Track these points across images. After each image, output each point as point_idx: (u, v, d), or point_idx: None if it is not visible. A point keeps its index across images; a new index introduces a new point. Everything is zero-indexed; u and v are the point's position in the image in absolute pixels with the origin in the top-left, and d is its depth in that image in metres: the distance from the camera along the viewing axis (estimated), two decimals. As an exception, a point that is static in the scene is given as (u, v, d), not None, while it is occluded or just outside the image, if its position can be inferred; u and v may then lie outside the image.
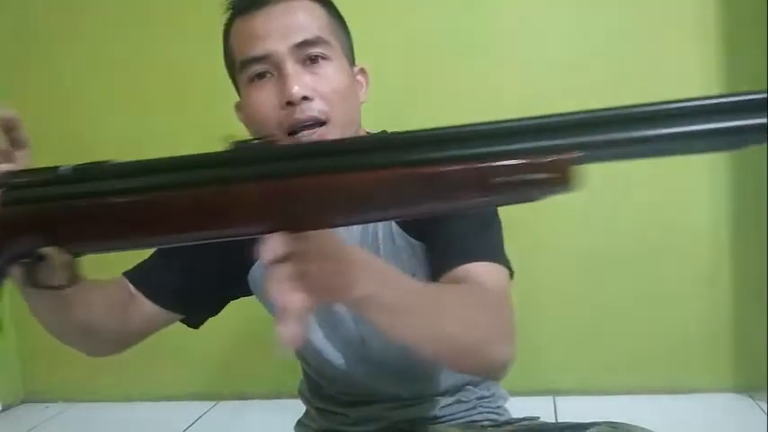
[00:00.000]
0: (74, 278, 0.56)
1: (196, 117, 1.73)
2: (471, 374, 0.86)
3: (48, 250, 0.54)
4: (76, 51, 1.84)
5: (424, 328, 0.60)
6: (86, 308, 0.72)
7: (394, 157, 0.45)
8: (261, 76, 0.77)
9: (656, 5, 1.59)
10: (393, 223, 0.83)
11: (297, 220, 0.46)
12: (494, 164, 0.43)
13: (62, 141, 1.82)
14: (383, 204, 0.46)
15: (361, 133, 0.86)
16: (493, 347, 0.67)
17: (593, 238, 1.64)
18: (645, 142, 0.42)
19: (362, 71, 0.87)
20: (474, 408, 0.92)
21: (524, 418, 0.91)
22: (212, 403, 1.82)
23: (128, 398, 1.88)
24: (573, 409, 1.52)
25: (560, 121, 0.44)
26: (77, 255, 0.55)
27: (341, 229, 0.80)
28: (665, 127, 0.41)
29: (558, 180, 0.44)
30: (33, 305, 0.69)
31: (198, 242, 0.51)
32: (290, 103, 0.75)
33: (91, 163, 0.52)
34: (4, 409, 1.91)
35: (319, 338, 0.88)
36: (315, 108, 0.76)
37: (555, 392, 1.65)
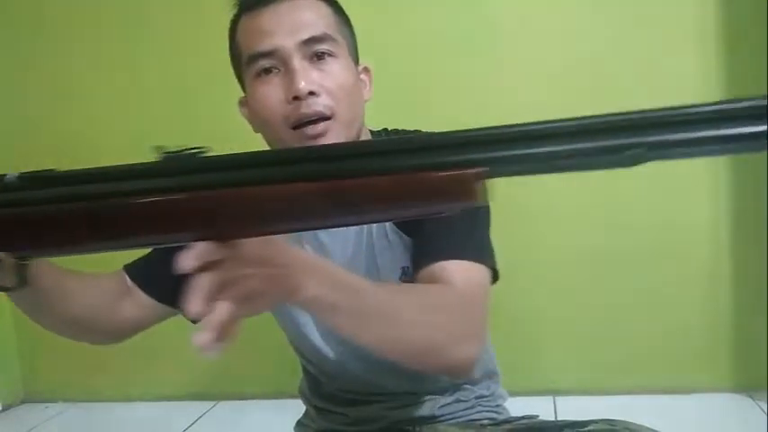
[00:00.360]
0: (23, 280, 0.59)
1: (197, 115, 1.73)
2: (434, 374, 0.87)
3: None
4: (77, 49, 1.84)
5: (378, 330, 0.62)
6: (67, 301, 0.75)
7: (300, 171, 0.47)
8: (268, 71, 0.78)
9: (657, 6, 1.59)
10: None
11: (222, 229, 0.48)
12: (396, 177, 0.45)
13: (62, 139, 1.83)
14: (298, 216, 0.48)
15: (365, 131, 0.87)
16: (452, 349, 0.68)
17: (592, 238, 1.64)
18: (545, 159, 0.43)
19: (366, 70, 0.88)
20: (473, 407, 0.92)
21: (523, 417, 0.91)
22: (212, 403, 1.82)
23: (128, 398, 1.88)
24: (573, 409, 1.52)
25: (472, 137, 0.45)
26: (23, 259, 0.58)
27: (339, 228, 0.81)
28: (566, 144, 0.42)
29: (461, 195, 0.44)
30: (15, 303, 0.71)
31: (132, 249, 0.54)
32: (296, 98, 0.76)
33: (36, 171, 0.53)
34: (4, 409, 1.91)
35: (316, 336, 0.89)
36: (320, 103, 0.77)
37: (555, 392, 1.65)
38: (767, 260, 1.56)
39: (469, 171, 0.43)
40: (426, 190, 0.44)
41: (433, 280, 0.74)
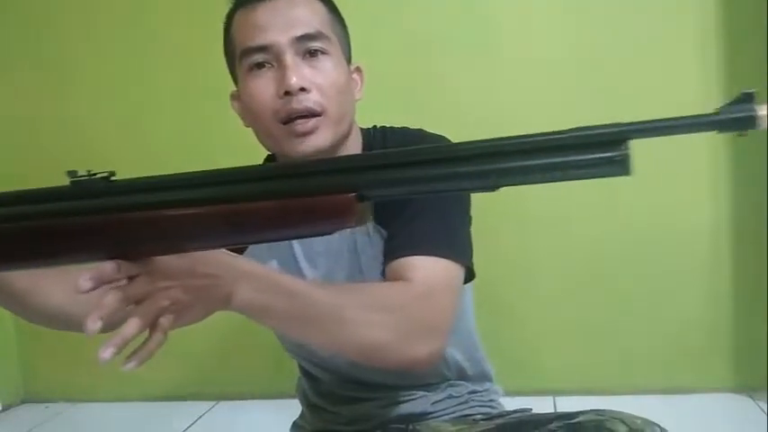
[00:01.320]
0: None
1: (197, 110, 1.73)
2: (391, 370, 0.86)
3: None
4: (78, 45, 1.84)
5: (321, 331, 0.64)
6: (45, 298, 0.76)
7: (204, 194, 0.50)
8: (260, 65, 0.79)
9: (657, 6, 1.59)
10: None
11: (130, 249, 0.52)
12: (281, 202, 0.48)
13: (63, 134, 1.83)
14: (198, 237, 0.51)
15: (355, 129, 0.87)
16: (402, 346, 0.68)
17: (592, 238, 1.64)
18: (414, 182, 0.46)
19: (358, 70, 0.89)
20: (466, 402, 0.92)
21: (516, 411, 0.91)
22: (212, 403, 1.82)
23: (128, 398, 1.88)
24: (573, 409, 1.52)
25: (350, 162, 0.50)
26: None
27: None
28: (435, 168, 0.46)
29: (338, 216, 0.48)
30: None
31: (54, 266, 0.58)
32: (287, 93, 0.77)
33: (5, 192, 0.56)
34: (4, 409, 1.91)
35: None
36: (311, 99, 0.78)
37: (555, 392, 1.65)
38: (767, 260, 1.56)
39: (342, 195, 0.47)
40: (307, 213, 0.48)
41: (396, 275, 0.75)
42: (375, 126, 0.92)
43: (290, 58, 0.77)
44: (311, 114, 0.78)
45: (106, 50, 1.83)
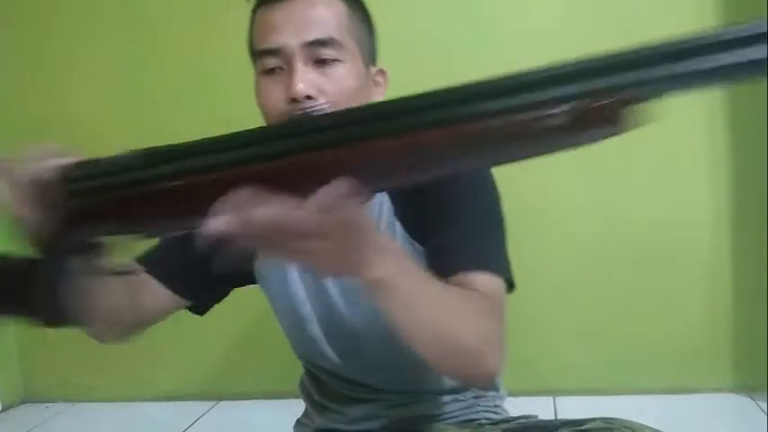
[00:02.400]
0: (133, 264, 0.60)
1: (197, 108, 1.73)
2: (455, 379, 0.86)
3: (112, 238, 0.57)
4: (78, 45, 1.84)
5: (427, 323, 0.62)
6: (106, 295, 0.73)
7: (423, 120, 0.46)
8: (271, 70, 0.78)
9: (657, 6, 1.59)
10: (398, 225, 0.83)
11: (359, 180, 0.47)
12: (540, 113, 0.44)
13: (63, 134, 1.83)
14: (432, 163, 0.47)
15: None
16: (484, 357, 0.67)
17: (593, 238, 1.64)
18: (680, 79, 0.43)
19: (381, 72, 0.86)
20: (471, 406, 0.92)
21: (521, 417, 0.91)
22: (212, 403, 1.82)
23: (128, 398, 1.88)
24: (573, 409, 1.52)
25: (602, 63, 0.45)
26: (149, 237, 0.58)
27: None
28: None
29: (607, 122, 0.43)
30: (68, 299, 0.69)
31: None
32: (294, 100, 0.76)
33: (155, 147, 0.54)
34: (4, 409, 1.91)
35: (316, 332, 0.89)
36: (318, 107, 0.76)
37: (555, 392, 1.65)
38: (767, 260, 1.56)
39: (617, 98, 0.43)
40: (574, 122, 0.43)
41: None
42: None
43: (298, 63, 0.76)
44: None
45: (106, 51, 1.83)
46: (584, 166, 1.56)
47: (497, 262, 0.78)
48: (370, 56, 0.84)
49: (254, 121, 0.83)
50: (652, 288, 1.63)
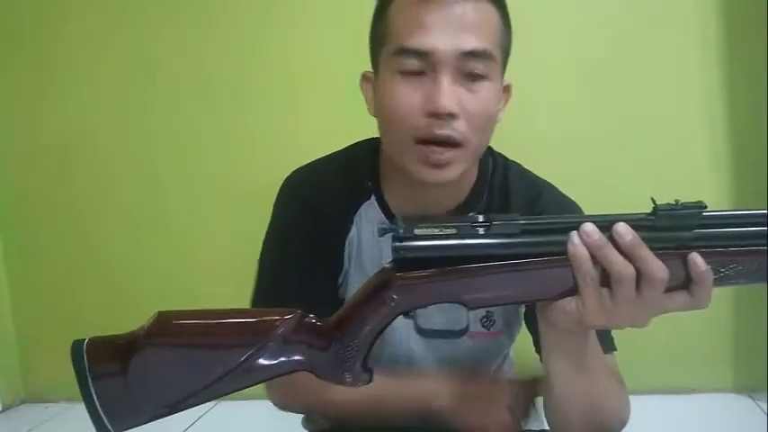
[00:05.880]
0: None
1: (196, 110, 1.73)
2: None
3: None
4: (78, 45, 1.84)
5: (588, 382, 0.69)
6: None
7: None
8: (411, 72, 0.70)
9: (657, 6, 1.59)
10: None
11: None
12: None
13: (63, 134, 1.83)
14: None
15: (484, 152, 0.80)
16: (622, 412, 0.76)
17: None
18: None
19: (507, 88, 0.80)
20: None
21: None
22: (212, 403, 1.81)
23: (128, 398, 1.87)
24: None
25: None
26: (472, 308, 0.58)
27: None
28: None
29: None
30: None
31: None
32: (433, 114, 0.68)
33: (496, 217, 0.56)
34: (4, 409, 1.91)
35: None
36: (456, 128, 0.69)
37: (555, 392, 1.65)
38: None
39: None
40: None
41: None
42: (491, 149, 0.85)
43: (447, 74, 0.68)
44: (451, 144, 0.69)
45: (106, 51, 1.83)
46: (582, 168, 1.56)
47: (613, 341, 0.83)
48: (504, 69, 0.77)
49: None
50: (652, 288, 1.62)
